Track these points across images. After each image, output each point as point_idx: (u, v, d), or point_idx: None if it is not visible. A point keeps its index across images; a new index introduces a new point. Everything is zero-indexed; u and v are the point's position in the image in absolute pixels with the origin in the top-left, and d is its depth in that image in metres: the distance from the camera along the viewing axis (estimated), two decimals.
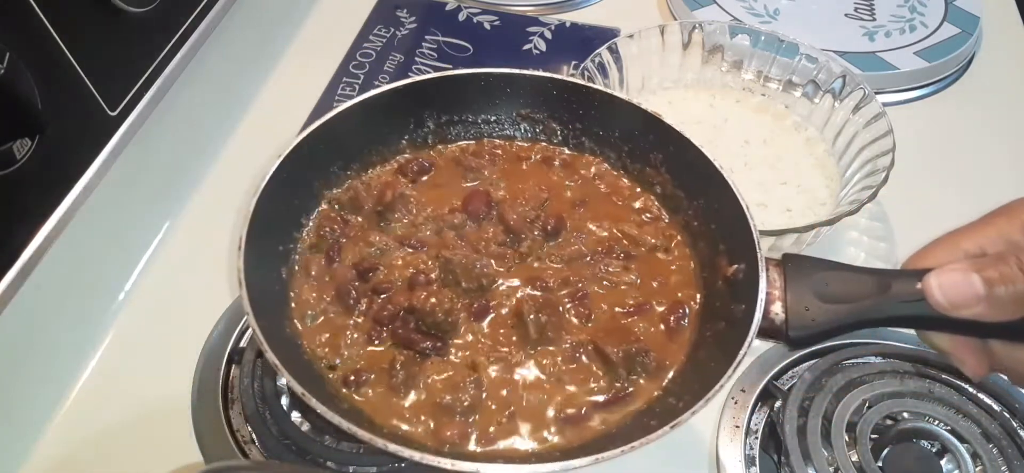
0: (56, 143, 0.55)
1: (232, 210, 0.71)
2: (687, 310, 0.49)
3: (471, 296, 0.49)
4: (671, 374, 0.46)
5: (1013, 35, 0.92)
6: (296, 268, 0.50)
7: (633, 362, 0.46)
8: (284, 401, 0.57)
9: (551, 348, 0.47)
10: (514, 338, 0.47)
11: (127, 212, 0.66)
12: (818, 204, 0.68)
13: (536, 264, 0.51)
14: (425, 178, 0.55)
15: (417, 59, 0.85)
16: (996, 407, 0.57)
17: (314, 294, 0.49)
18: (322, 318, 0.48)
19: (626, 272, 0.51)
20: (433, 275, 0.49)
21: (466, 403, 0.44)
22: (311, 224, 0.52)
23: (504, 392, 0.45)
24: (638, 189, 0.55)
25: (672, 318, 0.49)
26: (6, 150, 0.51)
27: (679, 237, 0.52)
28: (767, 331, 0.45)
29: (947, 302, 0.42)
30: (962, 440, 0.55)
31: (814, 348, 0.60)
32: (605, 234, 0.53)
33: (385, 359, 0.46)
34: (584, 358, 0.47)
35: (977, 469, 0.54)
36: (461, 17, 0.91)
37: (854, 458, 0.54)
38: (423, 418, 0.44)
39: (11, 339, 0.55)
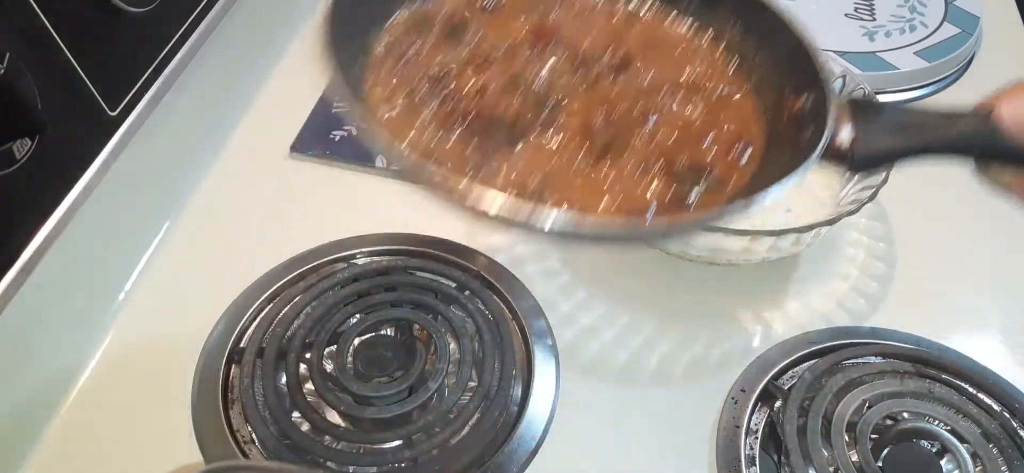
0: (56, 143, 0.55)
1: (232, 210, 0.71)
2: (751, 145, 0.49)
3: (540, 109, 0.49)
4: (732, 194, 0.47)
5: (1013, 35, 0.92)
6: (368, 67, 0.51)
7: (698, 174, 0.47)
8: (284, 401, 0.57)
9: (617, 158, 0.47)
10: (581, 146, 0.48)
11: (127, 212, 0.66)
12: (818, 204, 0.68)
13: (603, 91, 0.51)
14: (496, 10, 0.56)
15: None
16: (996, 407, 0.57)
17: (387, 92, 0.49)
18: (393, 114, 0.48)
19: (692, 110, 0.51)
20: (502, 86, 0.50)
21: (532, 191, 0.45)
22: (383, 34, 0.53)
23: (568, 190, 0.46)
24: (706, 39, 0.56)
25: (736, 149, 0.49)
26: (6, 150, 0.51)
27: (746, 83, 0.53)
28: (833, 154, 0.45)
29: (1018, 128, 0.42)
30: (962, 440, 0.55)
31: (814, 348, 0.61)
32: (673, 77, 0.53)
33: (456, 149, 0.47)
34: (649, 169, 0.47)
35: (977, 469, 0.54)
36: None
37: (854, 458, 0.54)
38: None
39: (11, 339, 0.55)
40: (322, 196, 0.73)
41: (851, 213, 0.61)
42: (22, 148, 0.52)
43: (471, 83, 0.50)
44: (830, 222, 0.62)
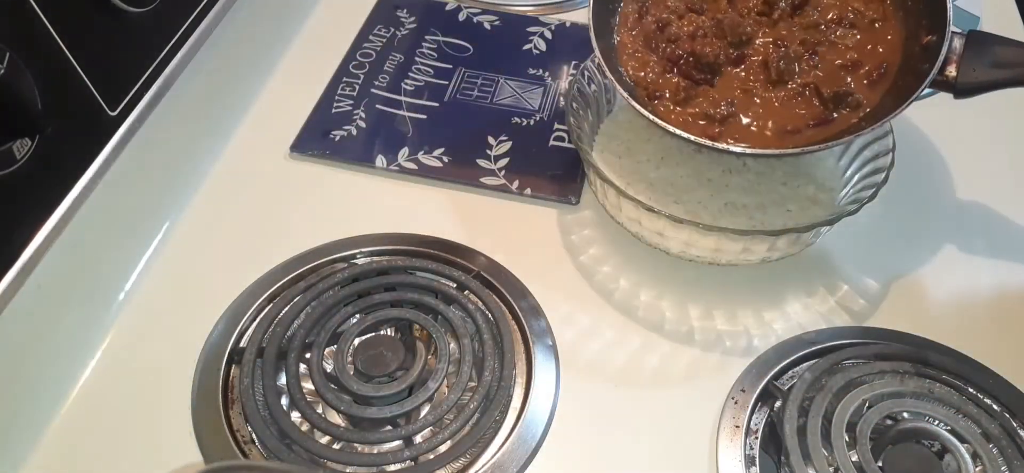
0: (56, 143, 0.55)
1: (232, 210, 0.72)
2: (886, 67, 0.64)
3: (734, 48, 0.66)
4: (866, 111, 0.63)
5: (1013, 35, 0.91)
6: (618, 21, 0.70)
7: (841, 99, 0.63)
8: (284, 401, 0.57)
9: (785, 87, 0.65)
10: (760, 78, 0.65)
11: (127, 212, 0.66)
12: (818, 204, 0.68)
13: (783, 29, 0.67)
14: None
15: (417, 59, 0.85)
16: (996, 407, 0.57)
17: (630, 39, 0.69)
18: (635, 55, 0.68)
19: (849, 37, 0.66)
20: (708, 30, 0.67)
21: (723, 114, 0.64)
22: None
23: (749, 111, 0.64)
24: None
25: (875, 73, 0.64)
26: (6, 150, 0.51)
27: (894, 16, 0.67)
28: (941, 83, 0.61)
29: None
30: (962, 440, 0.55)
31: (814, 348, 0.61)
32: (837, 10, 0.67)
33: (673, 84, 0.66)
34: (807, 95, 0.64)
35: (977, 469, 0.54)
36: (461, 17, 0.91)
37: (854, 458, 0.54)
38: (693, 122, 0.65)
39: (11, 339, 0.55)
40: (322, 196, 0.73)
41: (851, 213, 0.62)
42: (22, 148, 0.52)
43: (687, 28, 0.67)
44: (830, 222, 0.62)
